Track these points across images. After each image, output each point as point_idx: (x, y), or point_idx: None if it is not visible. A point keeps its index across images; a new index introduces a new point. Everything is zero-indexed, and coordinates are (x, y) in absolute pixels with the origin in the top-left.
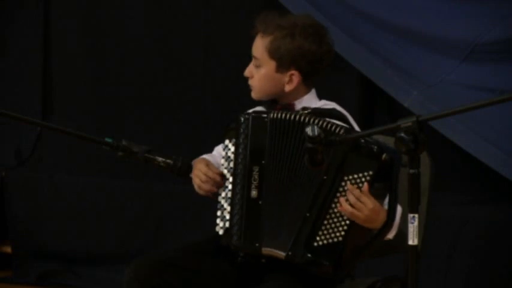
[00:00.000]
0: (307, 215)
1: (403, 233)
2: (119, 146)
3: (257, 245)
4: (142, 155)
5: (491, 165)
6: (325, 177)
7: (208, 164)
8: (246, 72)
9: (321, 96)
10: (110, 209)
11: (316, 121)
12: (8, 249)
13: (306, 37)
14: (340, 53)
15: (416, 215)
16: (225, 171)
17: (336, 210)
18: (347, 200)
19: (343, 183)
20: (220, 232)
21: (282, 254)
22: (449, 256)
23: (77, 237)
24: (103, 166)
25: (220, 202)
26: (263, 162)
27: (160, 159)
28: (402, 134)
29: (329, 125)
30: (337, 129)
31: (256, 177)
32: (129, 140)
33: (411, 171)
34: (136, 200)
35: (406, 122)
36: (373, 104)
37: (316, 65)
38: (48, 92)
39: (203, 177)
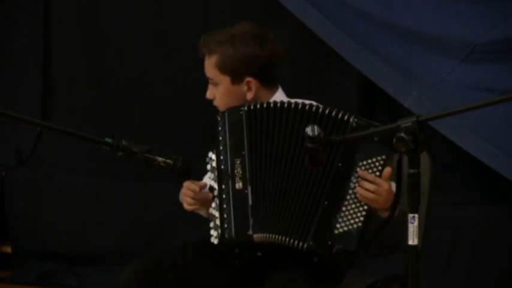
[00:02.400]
0: (326, 203)
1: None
2: (119, 146)
3: (249, 233)
4: (142, 155)
5: (491, 165)
6: (339, 165)
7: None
8: (208, 95)
9: (322, 97)
10: (110, 209)
11: (287, 104)
12: (8, 249)
13: (247, 44)
14: (340, 53)
15: (416, 215)
16: (213, 183)
17: (353, 196)
18: (363, 187)
19: (357, 169)
20: (215, 242)
21: (301, 244)
22: (449, 256)
23: (77, 237)
24: (103, 166)
25: (211, 213)
26: (243, 153)
27: (160, 159)
28: (402, 134)
29: (301, 106)
30: (345, 116)
31: (239, 169)
32: (129, 140)
33: (411, 171)
34: (136, 200)
35: (406, 122)
36: (373, 104)
37: (267, 67)
38: (48, 92)
39: (192, 188)
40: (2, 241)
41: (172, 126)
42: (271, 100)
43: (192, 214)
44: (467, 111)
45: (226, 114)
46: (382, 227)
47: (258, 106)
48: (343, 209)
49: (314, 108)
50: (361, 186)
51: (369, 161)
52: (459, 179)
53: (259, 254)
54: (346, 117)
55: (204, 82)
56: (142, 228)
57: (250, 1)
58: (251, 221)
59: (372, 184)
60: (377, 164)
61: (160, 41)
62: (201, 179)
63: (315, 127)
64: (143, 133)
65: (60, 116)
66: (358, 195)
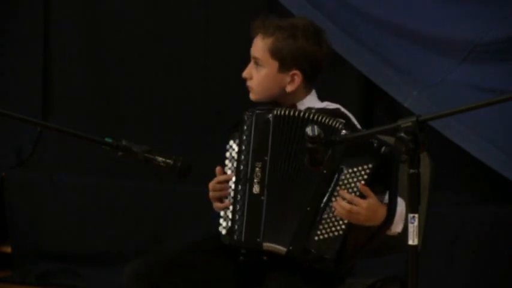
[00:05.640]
0: (308, 209)
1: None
2: (118, 146)
3: (258, 240)
4: (142, 155)
5: (491, 165)
6: (324, 171)
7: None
8: (245, 74)
9: (322, 98)
10: (110, 209)
11: (317, 116)
12: (8, 249)
13: (308, 38)
14: (340, 53)
15: (416, 215)
16: (229, 172)
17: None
18: (339, 204)
19: (342, 177)
20: (223, 232)
21: (282, 249)
22: (449, 256)
23: (77, 237)
24: (103, 166)
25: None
26: (266, 158)
27: (160, 159)
28: (402, 134)
29: (329, 120)
30: (337, 124)
31: (258, 173)
32: (129, 140)
33: (411, 171)
34: (137, 200)
35: (406, 122)
36: (373, 104)
37: (316, 67)
38: (48, 92)
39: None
40: (2, 241)
41: (172, 127)
42: (305, 101)
43: (192, 214)
44: (467, 111)
45: (254, 113)
46: (373, 237)
47: (288, 113)
48: (325, 216)
49: (337, 124)
50: (338, 204)
51: (355, 169)
52: (459, 179)
53: (264, 258)
54: (305, 115)
55: (207, 82)
56: (142, 228)
57: (250, 1)
58: (262, 229)
59: (348, 203)
60: (363, 172)
61: (160, 40)
62: (201, 179)
63: (315, 127)
64: (143, 133)
65: (60, 116)
66: (336, 213)
